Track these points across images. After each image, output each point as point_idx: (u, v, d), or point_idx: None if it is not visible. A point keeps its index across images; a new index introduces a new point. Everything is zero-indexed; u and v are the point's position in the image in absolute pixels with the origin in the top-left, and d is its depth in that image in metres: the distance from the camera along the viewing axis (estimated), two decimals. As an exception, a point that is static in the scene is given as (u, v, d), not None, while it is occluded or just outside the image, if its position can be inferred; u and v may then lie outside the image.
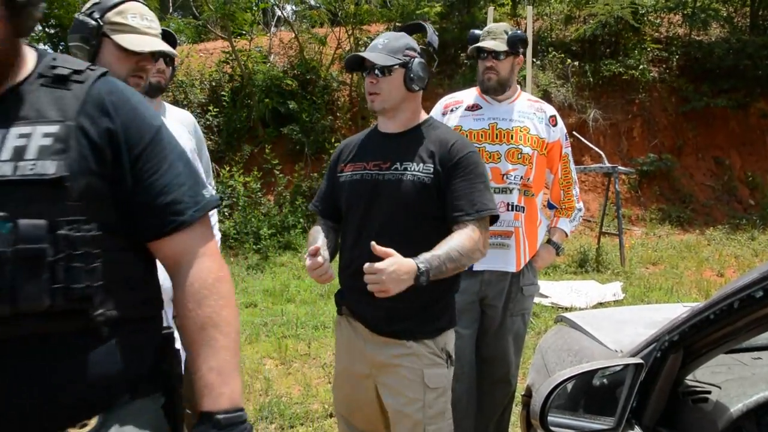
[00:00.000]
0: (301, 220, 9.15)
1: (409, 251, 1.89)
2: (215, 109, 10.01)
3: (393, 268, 1.80)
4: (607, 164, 8.24)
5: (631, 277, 7.38)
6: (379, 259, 1.83)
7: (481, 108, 2.91)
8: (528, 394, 2.38)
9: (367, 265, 1.81)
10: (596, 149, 8.82)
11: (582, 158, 10.93)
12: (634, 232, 9.92)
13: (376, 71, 2.09)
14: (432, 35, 2.20)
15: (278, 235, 8.86)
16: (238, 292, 6.93)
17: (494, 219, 2.11)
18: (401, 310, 2.06)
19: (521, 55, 2.91)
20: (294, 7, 13.23)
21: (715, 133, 11.64)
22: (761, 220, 10.21)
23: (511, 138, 2.85)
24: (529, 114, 2.91)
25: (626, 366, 1.39)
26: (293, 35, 11.49)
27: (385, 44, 2.12)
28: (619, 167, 8.31)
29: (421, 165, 2.09)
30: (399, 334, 2.10)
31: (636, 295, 6.59)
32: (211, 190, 3.02)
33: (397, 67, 2.09)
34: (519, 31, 2.92)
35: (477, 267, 2.77)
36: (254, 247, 8.54)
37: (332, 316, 5.82)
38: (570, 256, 8.39)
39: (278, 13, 12.42)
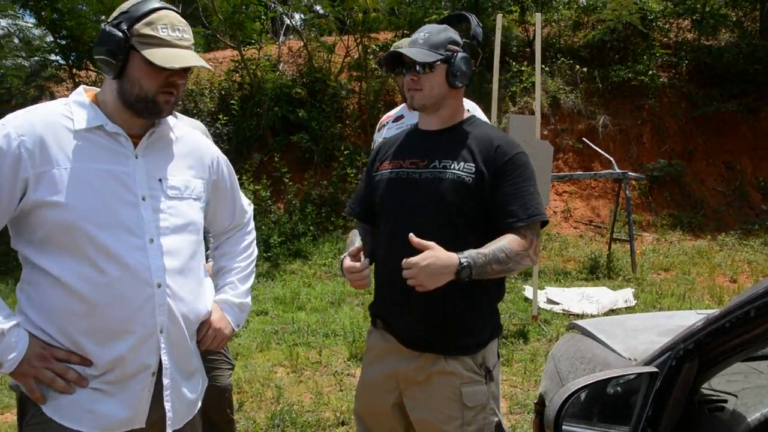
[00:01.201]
0: (311, 227, 9.16)
1: None
2: (225, 118, 10.06)
3: (427, 261, 1.75)
4: (618, 170, 8.21)
5: (643, 284, 7.34)
6: (417, 252, 1.78)
7: (404, 117, 3.10)
8: (540, 402, 2.36)
9: (405, 261, 1.77)
10: (606, 155, 8.79)
11: (592, 164, 10.91)
12: (644, 238, 9.88)
13: (417, 68, 2.00)
14: (476, 27, 2.08)
15: (288, 243, 8.88)
16: (248, 300, 6.93)
17: (543, 224, 2.00)
18: (438, 323, 1.98)
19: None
20: (302, 15, 13.30)
21: (725, 138, 11.58)
22: (773, 225, 10.14)
23: None
24: None
25: (641, 374, 1.38)
26: (302, 44, 11.55)
27: (426, 39, 2.02)
28: (630, 173, 8.27)
29: (463, 164, 1.98)
30: (435, 349, 2.00)
31: (648, 301, 6.55)
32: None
33: (438, 62, 1.99)
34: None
35: None
36: (264, 254, 8.55)
37: (342, 324, 5.82)
38: (581, 263, 8.36)
39: (287, 21, 12.47)
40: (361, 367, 2.33)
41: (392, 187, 2.09)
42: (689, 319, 2.34)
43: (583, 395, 1.50)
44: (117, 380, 1.65)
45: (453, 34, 2.05)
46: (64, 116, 1.65)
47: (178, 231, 1.74)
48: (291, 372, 4.82)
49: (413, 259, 1.76)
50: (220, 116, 10.04)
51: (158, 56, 1.60)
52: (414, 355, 2.04)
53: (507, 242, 1.87)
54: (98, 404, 1.63)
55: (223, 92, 10.95)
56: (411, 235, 1.79)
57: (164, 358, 1.70)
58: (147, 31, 1.62)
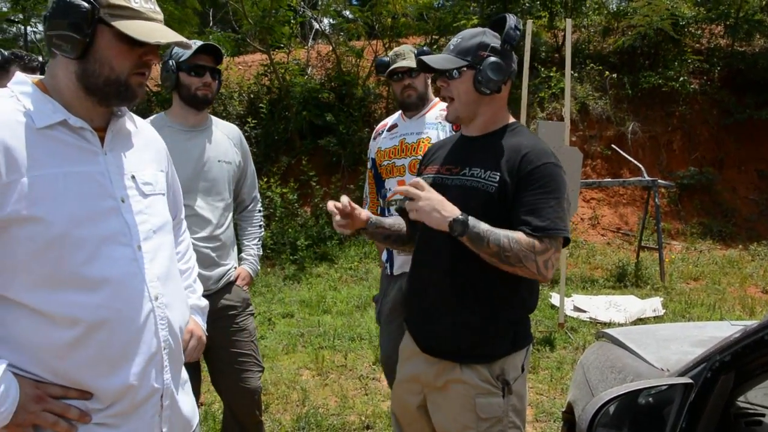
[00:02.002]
0: (336, 233, 9.19)
1: (470, 265, 1.85)
2: (253, 121, 10.14)
3: (434, 195, 1.81)
4: (647, 177, 8.12)
5: (672, 293, 7.25)
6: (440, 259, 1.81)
7: (397, 126, 3.17)
8: (569, 411, 2.35)
9: (417, 181, 1.83)
10: (635, 162, 8.70)
11: (620, 171, 10.80)
12: (673, 246, 9.75)
13: (447, 74, 1.97)
14: (510, 30, 1.95)
15: (314, 246, 8.92)
16: (274, 302, 7.00)
17: (566, 242, 1.91)
18: (452, 331, 1.96)
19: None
20: (331, 20, 13.38)
21: (758, 146, 11.38)
22: (807, 235, 9.94)
23: (415, 150, 3.00)
24: (435, 124, 3.05)
25: (675, 385, 1.37)
26: (330, 48, 11.62)
27: (456, 44, 1.98)
28: (659, 181, 8.18)
29: (488, 172, 1.93)
30: (449, 356, 1.98)
31: (677, 311, 6.46)
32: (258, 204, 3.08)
33: (465, 69, 1.94)
34: (425, 48, 2.99)
35: (399, 271, 2.95)
36: (291, 257, 8.61)
37: (368, 329, 5.84)
38: (608, 270, 8.28)
39: (315, 26, 12.56)
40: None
41: None
42: (722, 330, 2.32)
43: (614, 405, 1.49)
44: (126, 411, 1.45)
45: (487, 38, 1.98)
46: (19, 112, 1.38)
47: (158, 232, 1.56)
48: (316, 375, 4.85)
49: (426, 188, 1.82)
50: (249, 119, 10.13)
51: (138, 30, 1.38)
52: (433, 361, 2.05)
53: (514, 233, 1.82)
54: None
55: (251, 96, 11.05)
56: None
57: (166, 377, 1.52)
58: (118, 1, 1.38)
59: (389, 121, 3.30)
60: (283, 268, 8.42)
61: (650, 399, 1.37)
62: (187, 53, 2.65)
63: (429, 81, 3.12)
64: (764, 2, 12.31)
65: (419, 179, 1.84)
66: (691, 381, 1.35)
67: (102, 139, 1.49)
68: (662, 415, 1.37)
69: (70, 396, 1.39)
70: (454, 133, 2.83)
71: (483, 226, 1.80)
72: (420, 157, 2.69)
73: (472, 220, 1.80)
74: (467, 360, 1.97)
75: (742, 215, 10.81)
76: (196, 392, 2.91)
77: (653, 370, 1.77)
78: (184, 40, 1.48)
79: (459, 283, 1.94)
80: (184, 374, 1.69)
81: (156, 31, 1.40)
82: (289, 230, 9.06)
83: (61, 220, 1.35)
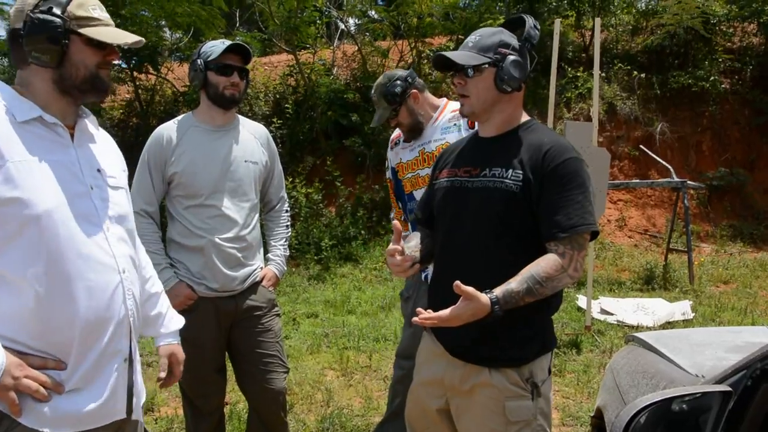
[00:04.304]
0: (362, 231, 9.20)
1: (493, 268, 1.82)
2: (279, 121, 10.18)
3: (465, 318, 1.76)
4: (676, 179, 7.99)
5: (701, 296, 7.12)
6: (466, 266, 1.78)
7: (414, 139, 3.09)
8: (598, 416, 2.31)
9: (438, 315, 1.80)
10: (664, 163, 8.56)
11: (648, 172, 10.66)
12: (703, 249, 9.59)
13: (465, 71, 1.93)
14: (530, 29, 1.97)
15: (339, 247, 8.93)
16: (299, 302, 7.01)
17: (594, 235, 1.91)
18: (483, 335, 1.92)
19: (413, 91, 3.02)
20: (357, 20, 13.38)
21: (791, 147, 11.15)
22: (842, 238, 9.71)
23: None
24: (449, 127, 2.99)
25: (712, 393, 1.33)
26: (356, 48, 11.61)
27: (476, 42, 1.95)
28: (689, 182, 8.04)
29: (510, 171, 1.90)
30: (480, 360, 1.96)
31: (706, 314, 6.34)
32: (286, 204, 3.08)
33: (486, 66, 1.92)
34: (388, 86, 3.00)
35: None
36: (315, 257, 8.63)
37: (393, 329, 5.82)
38: (635, 273, 8.17)
39: (341, 26, 12.58)
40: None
41: (447, 196, 2.06)
42: (759, 336, 2.26)
43: (647, 413, 1.45)
44: (93, 373, 1.62)
45: (506, 37, 1.97)
46: (1, 109, 1.58)
47: (121, 221, 1.74)
48: (341, 375, 4.84)
49: (451, 315, 1.77)
50: (275, 120, 10.17)
51: (103, 34, 1.62)
52: (459, 365, 2.01)
53: (542, 268, 1.80)
54: (77, 402, 1.59)
55: (277, 96, 11.09)
56: (457, 283, 1.73)
57: (133, 344, 1.73)
58: (81, 12, 1.61)
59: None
60: (307, 268, 8.44)
61: (684, 406, 1.33)
62: (216, 52, 2.65)
63: (414, 103, 3.03)
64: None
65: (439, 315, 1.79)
66: (729, 389, 1.31)
67: (72, 136, 1.68)
68: (698, 424, 1.33)
69: (48, 366, 1.56)
70: (470, 130, 2.81)
71: (513, 298, 1.78)
72: None
73: (501, 304, 1.77)
74: (497, 364, 1.94)
75: (774, 217, 10.60)
76: (222, 392, 2.93)
77: (687, 377, 1.73)
78: (141, 39, 1.68)
79: (488, 288, 1.91)
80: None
81: (117, 34, 1.65)
82: (314, 230, 9.07)
83: (43, 200, 1.53)
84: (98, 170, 1.72)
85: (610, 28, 12.32)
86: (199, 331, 2.69)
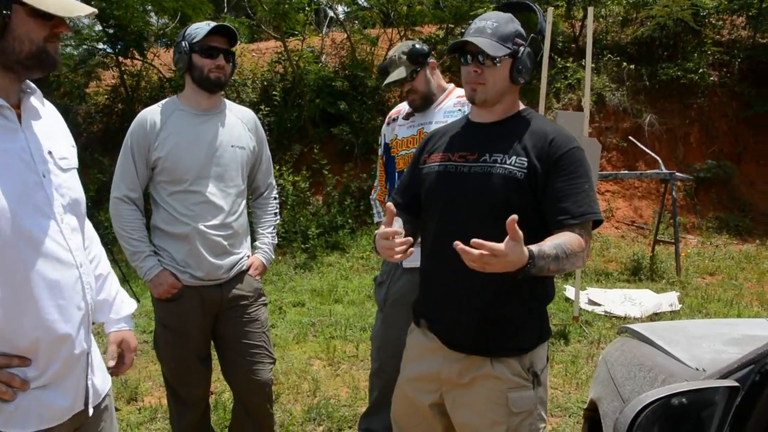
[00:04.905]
0: (350, 220, 9.14)
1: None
2: (266, 109, 10.07)
3: (511, 258, 1.58)
4: (665, 170, 7.99)
5: (688, 288, 7.13)
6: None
7: (414, 115, 3.07)
8: (591, 408, 2.27)
9: (490, 246, 1.56)
10: (653, 155, 8.56)
11: (636, 164, 10.66)
12: (689, 240, 9.61)
13: (482, 59, 1.88)
14: (542, 21, 1.99)
15: (326, 235, 8.86)
16: (285, 290, 6.95)
17: (596, 224, 1.91)
18: (486, 325, 1.90)
19: (431, 60, 3.01)
20: (345, 8, 13.25)
21: (778, 140, 11.19)
22: (827, 231, 9.77)
23: None
24: (454, 112, 2.95)
25: (717, 388, 1.29)
26: (345, 36, 11.51)
27: (494, 29, 1.89)
28: (677, 174, 8.04)
29: (514, 158, 1.87)
30: (482, 351, 1.92)
31: (693, 306, 6.35)
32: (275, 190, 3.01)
33: (506, 57, 1.88)
34: (416, 45, 2.96)
35: (409, 264, 2.80)
36: (302, 246, 8.56)
37: (380, 319, 5.77)
38: (623, 264, 8.18)
39: (330, 14, 12.47)
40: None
41: (440, 181, 2.00)
42: (755, 328, 2.23)
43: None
44: (64, 371, 1.55)
45: (519, 26, 1.94)
46: None
47: (74, 207, 1.62)
48: (328, 365, 4.80)
49: (503, 250, 1.56)
50: (262, 107, 10.06)
51: (51, 4, 1.43)
52: (458, 357, 1.97)
53: (568, 241, 1.75)
54: (44, 400, 1.52)
55: (265, 83, 10.97)
56: (513, 217, 1.57)
57: (91, 337, 1.66)
58: None
59: (404, 107, 3.19)
60: (294, 257, 8.38)
61: (690, 402, 1.29)
62: (201, 34, 2.57)
63: (431, 73, 3.00)
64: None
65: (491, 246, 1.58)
66: (737, 384, 1.27)
67: (18, 117, 1.53)
68: (704, 420, 1.28)
69: (13, 364, 1.47)
70: None
71: (542, 261, 1.66)
72: None
73: (535, 262, 1.64)
74: (499, 354, 1.92)
75: (760, 210, 10.64)
76: (207, 382, 2.86)
77: (687, 370, 1.69)
78: (94, 11, 1.53)
79: (490, 278, 1.85)
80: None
81: (66, 4, 1.46)
82: (301, 219, 9.00)
83: None
84: (49, 152, 1.57)
85: (600, 19, 12.28)
86: (183, 321, 2.63)
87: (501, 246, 1.56)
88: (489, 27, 1.89)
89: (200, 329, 2.69)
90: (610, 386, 2.06)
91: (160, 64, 11.24)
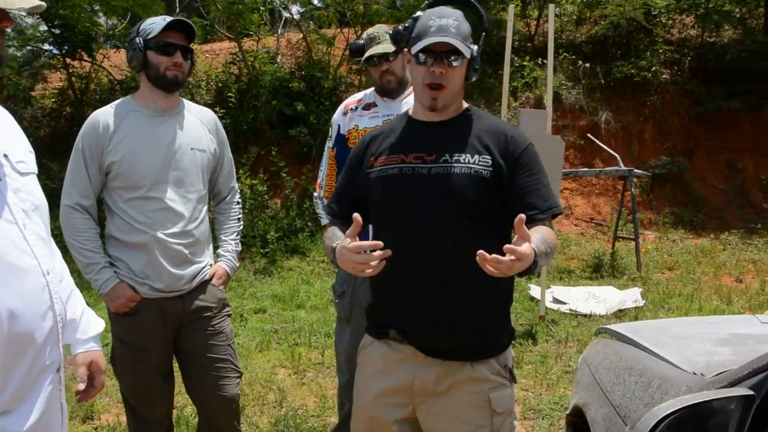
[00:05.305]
0: (309, 223, 8.99)
1: (465, 255, 1.65)
2: (221, 111, 9.82)
3: (530, 252, 1.54)
4: (623, 167, 8.07)
5: (649, 283, 7.21)
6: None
7: (377, 106, 2.97)
8: (575, 414, 2.20)
9: (511, 256, 1.51)
10: (612, 152, 8.64)
11: (593, 161, 10.78)
12: (647, 236, 9.74)
13: (451, 59, 1.80)
14: (486, 19, 1.97)
15: (285, 239, 8.69)
16: (246, 297, 6.77)
17: (554, 216, 1.91)
18: (467, 327, 1.85)
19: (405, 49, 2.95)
20: (299, 8, 13.07)
21: (727, 136, 11.45)
22: (776, 224, 10.03)
23: None
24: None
25: (732, 397, 1.21)
26: (301, 36, 11.35)
27: (457, 27, 1.81)
28: (636, 170, 8.13)
29: (477, 156, 1.84)
30: (462, 355, 1.86)
31: (656, 301, 6.41)
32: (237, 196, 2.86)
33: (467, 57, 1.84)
34: (399, 28, 2.84)
35: None
36: (261, 250, 8.38)
37: (345, 323, 5.64)
38: (584, 261, 8.24)
39: (285, 14, 12.27)
40: (355, 384, 2.10)
41: (396, 185, 1.89)
42: (740, 326, 2.19)
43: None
44: (24, 391, 1.42)
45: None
46: None
47: (36, 212, 1.52)
48: (293, 373, 4.65)
49: (525, 252, 1.52)
50: (217, 109, 9.78)
51: None
52: (434, 364, 1.87)
53: (548, 235, 1.76)
54: (7, 426, 1.40)
55: (220, 84, 10.75)
56: (521, 216, 1.55)
57: (61, 351, 1.53)
58: None
59: (362, 97, 3.06)
60: (253, 262, 8.19)
61: (700, 411, 1.21)
62: (156, 30, 2.42)
63: (405, 58, 2.93)
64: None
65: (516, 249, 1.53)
66: (752, 393, 1.20)
67: None
68: (717, 429, 1.21)
69: None
70: None
71: (538, 245, 1.63)
72: None
73: (537, 256, 1.60)
74: (480, 356, 1.87)
75: (712, 205, 10.88)
76: (169, 399, 2.70)
77: (683, 374, 1.62)
78: (41, 4, 1.39)
79: (461, 280, 1.80)
80: None
81: None
82: (259, 223, 8.82)
83: None
84: (4, 155, 1.47)
85: (555, 18, 12.40)
86: (143, 336, 2.47)
87: (524, 248, 1.54)
88: (452, 26, 1.82)
89: (161, 344, 2.53)
90: (597, 391, 1.99)
91: (110, 65, 10.90)
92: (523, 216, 1.55)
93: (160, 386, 2.59)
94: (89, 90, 10.99)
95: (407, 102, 2.90)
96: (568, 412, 2.31)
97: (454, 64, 1.81)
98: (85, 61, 10.63)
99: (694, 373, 1.58)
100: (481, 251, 1.52)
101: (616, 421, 1.74)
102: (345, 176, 2.09)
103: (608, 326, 2.42)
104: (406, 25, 2.05)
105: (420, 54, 1.83)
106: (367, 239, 1.97)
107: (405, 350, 1.91)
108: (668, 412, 1.18)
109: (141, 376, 2.50)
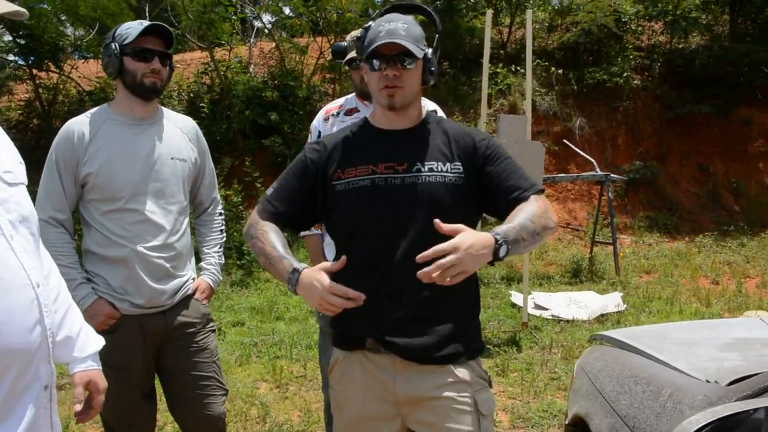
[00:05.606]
0: (285, 234, 8.85)
1: None
2: (194, 121, 9.71)
3: (469, 242, 1.57)
4: (600, 172, 8.11)
5: (628, 287, 7.23)
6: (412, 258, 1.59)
7: (359, 111, 2.89)
8: (575, 423, 2.14)
9: (439, 248, 1.56)
10: (588, 157, 8.69)
11: (568, 166, 10.83)
12: (623, 240, 9.81)
13: (404, 61, 1.79)
14: (438, 23, 1.96)
15: (262, 250, 8.55)
16: (223, 310, 6.63)
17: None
18: (448, 330, 1.82)
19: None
20: (270, 18, 12.98)
21: (698, 140, 11.62)
22: (748, 226, 10.17)
23: None
24: None
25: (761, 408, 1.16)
26: (273, 45, 11.26)
27: (407, 30, 1.80)
28: (612, 175, 8.18)
29: (449, 165, 1.83)
30: (445, 359, 1.82)
31: (637, 305, 6.43)
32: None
33: (419, 58, 1.82)
34: (340, 44, 2.90)
35: None
36: (238, 262, 8.24)
37: (327, 335, 5.55)
38: (563, 266, 8.25)
39: (257, 24, 12.17)
40: (333, 403, 2.00)
41: (369, 197, 1.83)
42: (741, 330, 2.16)
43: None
44: (4, 409, 1.33)
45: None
46: None
47: (24, 224, 1.45)
48: (275, 387, 4.54)
49: (454, 243, 1.56)
50: (190, 119, 9.70)
51: None
52: (415, 370, 1.81)
53: (526, 207, 1.76)
54: None
55: (191, 95, 10.60)
56: (437, 221, 1.61)
57: (51, 369, 1.44)
58: None
59: (344, 102, 2.98)
60: (229, 274, 8.05)
61: (732, 423, 1.16)
62: (132, 35, 2.32)
63: (363, 73, 2.87)
64: (698, 0, 12.63)
65: (440, 248, 1.57)
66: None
67: None
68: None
69: None
70: None
71: (512, 231, 1.67)
72: None
73: (504, 233, 1.65)
74: (462, 359, 1.85)
75: (686, 208, 11.01)
76: (152, 420, 2.58)
77: (696, 382, 1.56)
78: (22, 11, 1.34)
79: (443, 289, 1.69)
80: None
81: None
82: (235, 234, 8.66)
83: None
84: None
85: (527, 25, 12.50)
86: (123, 354, 2.34)
87: (446, 244, 1.56)
88: (401, 29, 1.80)
89: (142, 363, 2.41)
90: (599, 401, 1.93)
91: (79, 76, 10.69)
92: (436, 221, 1.61)
93: (141, 407, 2.47)
94: (57, 101, 10.77)
95: None
96: (567, 422, 2.25)
97: (408, 66, 1.80)
98: (53, 72, 10.41)
99: (708, 381, 1.53)
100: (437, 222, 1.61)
101: (624, 431, 1.68)
102: (298, 179, 1.96)
103: (603, 333, 2.38)
104: (359, 36, 1.99)
105: (374, 61, 1.82)
106: (323, 248, 1.91)
107: (382, 360, 1.84)
108: (701, 425, 1.13)
109: (121, 396, 2.38)
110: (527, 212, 1.73)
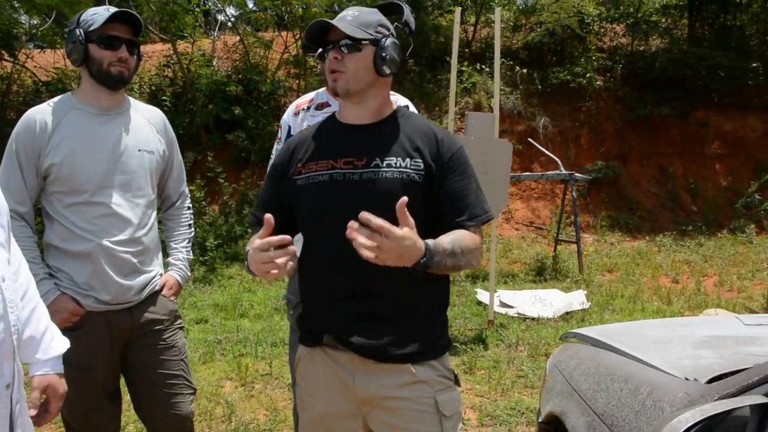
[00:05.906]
0: (249, 230, 8.77)
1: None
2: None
3: (409, 242, 1.52)
4: (564, 171, 8.19)
5: (591, 285, 7.32)
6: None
7: (330, 105, 2.82)
8: (549, 422, 2.14)
9: (381, 222, 1.48)
10: (553, 156, 8.78)
11: (532, 165, 10.94)
12: (585, 239, 9.94)
13: (342, 45, 1.76)
14: (409, 15, 1.91)
15: (225, 246, 8.46)
16: (186, 307, 6.51)
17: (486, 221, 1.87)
18: (408, 328, 1.78)
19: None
20: (233, 12, 12.80)
21: (658, 141, 11.86)
22: (705, 226, 10.42)
23: None
24: None
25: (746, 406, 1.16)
26: (237, 39, 11.11)
27: (355, 17, 1.78)
28: (577, 174, 8.28)
29: (408, 160, 1.78)
30: (404, 358, 1.78)
31: (600, 303, 6.51)
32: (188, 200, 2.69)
33: (367, 43, 1.77)
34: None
35: None
36: (200, 258, 8.11)
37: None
38: (527, 265, 8.31)
39: (220, 18, 11.99)
40: (298, 399, 1.98)
41: (327, 192, 1.81)
42: (712, 327, 2.18)
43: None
44: None
45: (383, 18, 1.86)
46: None
47: None
48: (240, 386, 4.47)
49: (398, 230, 1.49)
50: (151, 113, 9.50)
51: None
52: (373, 368, 1.78)
53: (463, 238, 1.72)
54: None
55: (153, 88, 10.39)
56: (402, 201, 1.53)
57: (17, 366, 1.39)
58: None
59: (314, 96, 2.90)
60: (192, 270, 7.89)
61: (718, 421, 1.16)
62: (99, 21, 2.23)
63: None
64: (658, 4, 12.88)
65: (384, 224, 1.50)
66: (766, 400, 1.15)
67: None
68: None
69: None
70: None
71: (440, 249, 1.63)
72: None
73: (432, 250, 1.60)
74: (422, 358, 1.80)
75: (646, 208, 11.22)
76: (116, 420, 2.50)
77: (675, 380, 1.57)
78: None
79: (400, 282, 1.71)
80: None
81: None
82: (197, 230, 8.53)
83: None
84: None
85: (492, 24, 12.56)
86: (87, 352, 2.26)
87: (392, 226, 1.49)
88: (349, 15, 1.79)
89: (108, 361, 2.33)
90: (575, 398, 1.93)
91: (35, 66, 10.38)
92: (405, 198, 1.52)
93: (106, 407, 2.39)
94: (11, 92, 10.45)
95: None
96: (540, 420, 2.25)
97: (345, 51, 1.76)
98: (6, 61, 10.09)
99: (686, 379, 1.53)
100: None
101: (602, 429, 1.68)
102: (270, 183, 1.98)
103: (576, 330, 2.38)
104: None
105: (324, 54, 1.83)
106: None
107: (341, 357, 1.82)
108: (690, 424, 1.12)
109: (85, 396, 2.30)
110: (462, 242, 1.70)
